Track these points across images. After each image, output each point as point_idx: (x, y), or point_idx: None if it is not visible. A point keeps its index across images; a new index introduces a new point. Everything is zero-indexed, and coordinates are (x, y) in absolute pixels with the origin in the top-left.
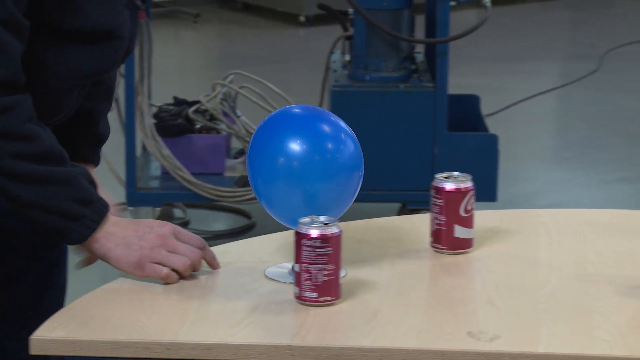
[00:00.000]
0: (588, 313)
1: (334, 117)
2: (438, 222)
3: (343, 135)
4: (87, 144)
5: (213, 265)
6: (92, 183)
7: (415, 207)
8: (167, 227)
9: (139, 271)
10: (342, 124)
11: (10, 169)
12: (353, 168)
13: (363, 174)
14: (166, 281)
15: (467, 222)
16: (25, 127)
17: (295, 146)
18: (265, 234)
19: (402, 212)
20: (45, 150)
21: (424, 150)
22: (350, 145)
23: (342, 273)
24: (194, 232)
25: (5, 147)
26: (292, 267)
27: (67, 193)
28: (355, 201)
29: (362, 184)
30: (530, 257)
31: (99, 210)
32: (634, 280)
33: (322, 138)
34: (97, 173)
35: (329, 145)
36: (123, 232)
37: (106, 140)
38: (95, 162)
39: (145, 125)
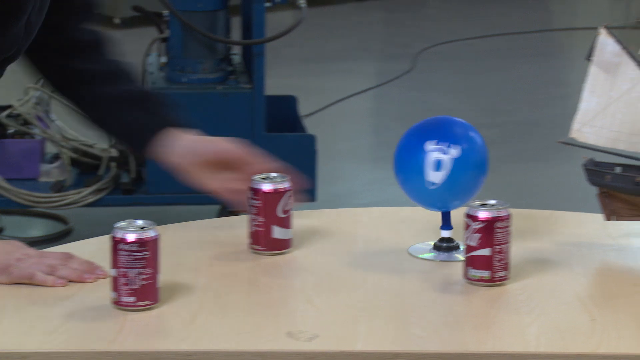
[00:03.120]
0: (404, 310)
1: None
2: (256, 223)
3: (472, 133)
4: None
5: None
6: None
7: (234, 209)
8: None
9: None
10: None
11: None
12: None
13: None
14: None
15: (285, 223)
16: None
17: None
18: (82, 239)
19: (221, 214)
20: None
21: None
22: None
23: None
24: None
25: None
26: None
27: None
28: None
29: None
30: (348, 256)
31: None
32: (447, 277)
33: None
34: None
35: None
36: None
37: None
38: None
39: None
